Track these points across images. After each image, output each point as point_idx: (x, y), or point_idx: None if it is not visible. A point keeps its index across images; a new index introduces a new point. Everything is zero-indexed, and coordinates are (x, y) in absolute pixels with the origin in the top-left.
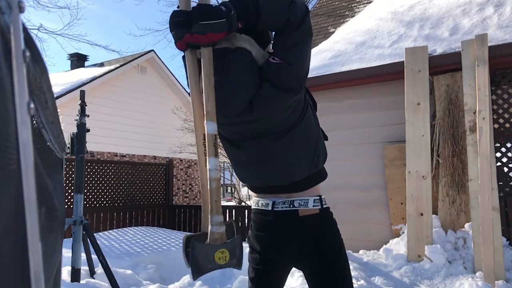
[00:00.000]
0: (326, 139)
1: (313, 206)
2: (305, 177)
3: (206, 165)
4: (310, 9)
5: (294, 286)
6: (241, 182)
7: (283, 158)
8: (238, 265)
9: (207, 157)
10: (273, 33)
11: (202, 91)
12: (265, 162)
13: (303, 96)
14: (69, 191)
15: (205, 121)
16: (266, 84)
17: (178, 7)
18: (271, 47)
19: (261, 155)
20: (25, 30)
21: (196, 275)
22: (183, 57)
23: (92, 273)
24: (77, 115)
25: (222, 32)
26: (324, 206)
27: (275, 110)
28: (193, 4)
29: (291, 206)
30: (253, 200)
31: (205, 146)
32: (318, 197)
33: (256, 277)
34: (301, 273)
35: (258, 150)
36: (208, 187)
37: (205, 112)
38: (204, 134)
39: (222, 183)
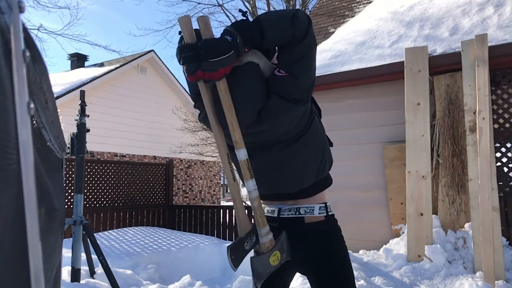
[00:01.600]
0: (331, 145)
1: (319, 213)
2: (312, 184)
3: (233, 179)
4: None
5: (294, 286)
6: (241, 183)
7: (292, 166)
8: (288, 257)
9: (244, 181)
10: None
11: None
12: (274, 170)
13: (310, 105)
14: (69, 191)
15: (235, 150)
16: (274, 96)
17: (181, 36)
18: (275, 58)
19: (270, 164)
20: (25, 30)
21: (259, 282)
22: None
23: (92, 273)
24: (77, 115)
25: (232, 63)
26: (330, 214)
27: (283, 121)
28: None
29: (297, 213)
30: None
31: (230, 164)
32: (323, 204)
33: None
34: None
35: (267, 159)
36: (252, 206)
37: (234, 142)
38: (228, 154)
39: (222, 183)
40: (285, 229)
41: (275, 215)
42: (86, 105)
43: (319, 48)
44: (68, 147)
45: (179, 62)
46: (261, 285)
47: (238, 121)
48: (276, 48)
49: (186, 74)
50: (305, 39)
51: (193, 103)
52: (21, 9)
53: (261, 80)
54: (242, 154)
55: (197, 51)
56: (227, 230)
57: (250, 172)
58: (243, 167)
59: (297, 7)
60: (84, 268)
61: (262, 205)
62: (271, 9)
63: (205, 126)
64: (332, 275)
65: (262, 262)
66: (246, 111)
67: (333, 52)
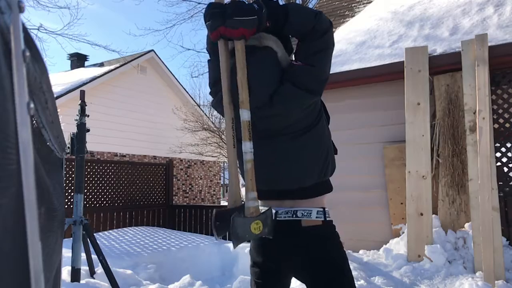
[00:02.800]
0: (336, 152)
1: (316, 217)
2: (312, 185)
3: (233, 146)
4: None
5: (293, 286)
6: (241, 182)
7: (296, 159)
8: (270, 234)
9: (242, 141)
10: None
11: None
12: (278, 163)
13: (320, 102)
14: (69, 191)
15: (240, 110)
16: (288, 83)
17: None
18: (293, 56)
19: (274, 155)
20: (25, 30)
21: (236, 243)
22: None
23: (92, 273)
24: (77, 115)
25: (253, 28)
26: (328, 219)
27: (293, 107)
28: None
29: (294, 216)
30: None
31: (233, 129)
32: (322, 209)
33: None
34: None
35: (272, 150)
36: (244, 168)
37: (240, 101)
38: (233, 118)
39: (222, 183)
40: (281, 232)
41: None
42: (86, 105)
43: None
44: (68, 147)
45: (205, 19)
46: None
47: (249, 98)
48: (294, 49)
49: (209, 32)
50: (325, 35)
51: (193, 103)
52: (21, 9)
53: (276, 65)
54: (245, 114)
55: (224, 9)
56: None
57: (250, 134)
58: (244, 128)
59: None
60: (84, 268)
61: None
62: None
63: (217, 111)
64: (330, 283)
65: (244, 224)
66: (259, 89)
67: (333, 52)
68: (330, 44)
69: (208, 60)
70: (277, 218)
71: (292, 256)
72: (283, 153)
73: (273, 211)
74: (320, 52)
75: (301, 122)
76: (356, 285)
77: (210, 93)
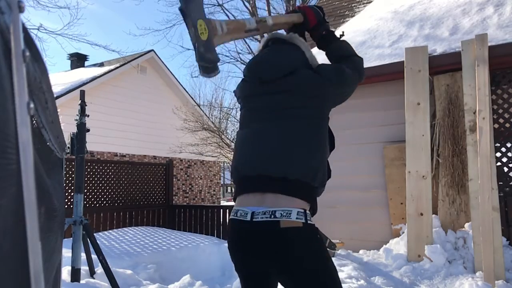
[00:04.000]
0: (329, 176)
1: (297, 218)
2: (297, 182)
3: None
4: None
5: None
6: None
7: (287, 142)
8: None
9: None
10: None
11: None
12: (270, 142)
13: (328, 108)
14: (69, 191)
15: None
16: (309, 71)
17: None
18: None
19: (268, 135)
20: (25, 30)
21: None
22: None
23: (92, 273)
24: (77, 115)
25: (315, 19)
26: (309, 222)
27: (304, 85)
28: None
29: (272, 216)
30: (232, 210)
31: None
32: (302, 210)
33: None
34: None
35: (268, 129)
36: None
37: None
38: None
39: (222, 183)
40: (259, 234)
41: (248, 218)
42: (86, 105)
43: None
44: (68, 147)
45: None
46: None
47: (267, 68)
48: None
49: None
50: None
51: (193, 103)
52: (21, 9)
53: (301, 57)
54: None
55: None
56: (227, 230)
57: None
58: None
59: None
60: (84, 268)
61: (235, 208)
62: (271, 8)
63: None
64: (312, 284)
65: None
66: (278, 63)
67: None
68: (361, 73)
69: None
70: (254, 220)
71: (270, 260)
72: (277, 134)
73: (250, 211)
74: (350, 61)
75: (305, 109)
76: (356, 285)
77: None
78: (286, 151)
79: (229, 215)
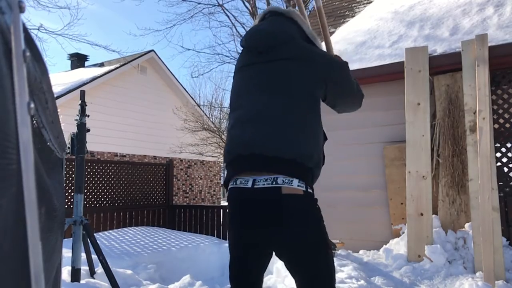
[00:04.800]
0: (323, 162)
1: (298, 185)
2: (292, 160)
3: None
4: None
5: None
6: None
7: (283, 124)
8: None
9: None
10: None
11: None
12: (265, 119)
13: (324, 89)
14: (69, 191)
15: None
16: (303, 41)
17: None
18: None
19: (264, 111)
20: (25, 30)
21: None
22: None
23: (92, 273)
24: (77, 115)
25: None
26: (309, 191)
27: (302, 54)
28: None
29: (274, 183)
30: (232, 179)
31: None
32: (303, 181)
33: (234, 265)
34: None
35: (265, 105)
36: None
37: None
38: None
39: (222, 183)
40: (260, 200)
41: (249, 185)
42: (86, 105)
43: None
44: (68, 147)
45: None
46: (235, 270)
47: (269, 35)
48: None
49: None
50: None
51: (193, 103)
52: (21, 9)
53: (292, 27)
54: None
55: None
56: (227, 230)
57: None
58: None
59: (297, 7)
60: (84, 268)
61: (234, 178)
62: None
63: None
64: (307, 259)
65: None
66: (279, 32)
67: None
68: (361, 98)
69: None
70: (255, 186)
71: (271, 226)
72: (273, 116)
73: (251, 179)
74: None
75: (301, 85)
76: (356, 285)
77: None
78: (281, 131)
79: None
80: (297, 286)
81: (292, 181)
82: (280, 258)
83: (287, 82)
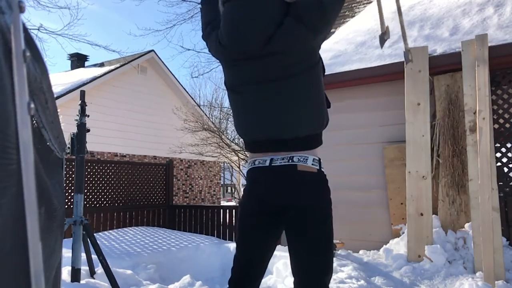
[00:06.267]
0: (329, 106)
1: (312, 164)
2: (307, 136)
3: None
4: None
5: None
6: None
7: (291, 105)
8: None
9: None
10: None
11: None
12: (275, 109)
13: (318, 48)
14: (69, 191)
15: None
16: (289, 19)
17: None
18: None
19: (272, 102)
20: (25, 30)
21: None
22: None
23: (92, 273)
24: (77, 115)
25: None
26: (322, 169)
27: (293, 45)
28: None
29: (290, 161)
30: (249, 161)
31: None
32: (317, 158)
33: (244, 240)
34: None
35: (270, 95)
36: None
37: None
38: None
39: (222, 183)
40: (278, 176)
41: (267, 164)
42: (86, 105)
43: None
44: (68, 147)
45: None
46: (244, 245)
47: (250, 37)
48: None
49: None
50: None
51: (193, 103)
52: (21, 9)
53: (276, 5)
54: None
55: None
56: (227, 230)
57: None
58: None
59: None
60: (84, 268)
61: (252, 158)
62: None
63: (211, 50)
64: (317, 228)
65: None
66: (257, 31)
67: (333, 52)
68: None
69: (199, 4)
70: (272, 164)
71: (286, 199)
72: (280, 99)
73: (268, 158)
74: None
75: (301, 63)
76: (356, 285)
77: (203, 36)
78: (293, 113)
79: (229, 215)
80: (295, 262)
81: (307, 159)
82: (288, 229)
83: (287, 71)
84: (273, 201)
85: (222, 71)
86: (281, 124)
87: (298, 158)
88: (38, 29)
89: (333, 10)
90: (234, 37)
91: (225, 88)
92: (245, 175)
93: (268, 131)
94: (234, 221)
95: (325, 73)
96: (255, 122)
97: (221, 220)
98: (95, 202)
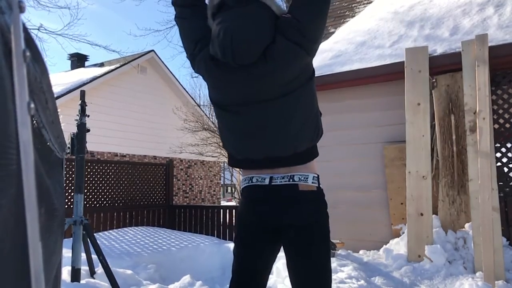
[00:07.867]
0: (320, 114)
1: (312, 182)
2: (305, 149)
3: None
4: None
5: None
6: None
7: (289, 123)
8: None
9: None
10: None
11: None
12: (271, 127)
13: (311, 62)
14: (69, 191)
15: None
16: (280, 36)
17: None
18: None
19: (268, 120)
20: (25, 30)
21: None
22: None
23: (92, 273)
24: (77, 115)
25: None
26: (320, 186)
27: (286, 63)
28: None
29: (291, 180)
30: (245, 178)
31: None
32: (316, 175)
33: (243, 258)
34: None
35: (266, 114)
36: None
37: None
38: None
39: (222, 183)
40: (278, 196)
41: (266, 182)
42: (86, 105)
43: (320, 48)
44: (68, 147)
45: None
46: (241, 265)
47: (244, 51)
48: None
49: None
50: None
51: (193, 103)
52: (21, 9)
53: (269, 19)
54: None
55: None
56: (227, 230)
57: None
58: None
59: None
60: (84, 268)
61: (249, 175)
62: None
63: (199, 72)
64: (318, 245)
65: None
66: (253, 41)
67: (334, 52)
68: (323, 2)
69: (177, 18)
70: (272, 183)
71: (287, 219)
72: (275, 118)
73: (268, 177)
74: (309, 6)
75: (295, 80)
76: (356, 285)
77: (189, 56)
78: (292, 130)
79: (229, 215)
80: (295, 279)
81: (307, 177)
82: (287, 247)
83: (282, 89)
84: (274, 220)
85: (207, 89)
86: (280, 142)
87: (299, 177)
88: (38, 29)
89: (311, 29)
90: (227, 48)
91: (211, 104)
92: (241, 191)
93: (266, 150)
94: (234, 221)
95: (325, 73)
96: (250, 141)
97: (221, 220)
98: (95, 202)
